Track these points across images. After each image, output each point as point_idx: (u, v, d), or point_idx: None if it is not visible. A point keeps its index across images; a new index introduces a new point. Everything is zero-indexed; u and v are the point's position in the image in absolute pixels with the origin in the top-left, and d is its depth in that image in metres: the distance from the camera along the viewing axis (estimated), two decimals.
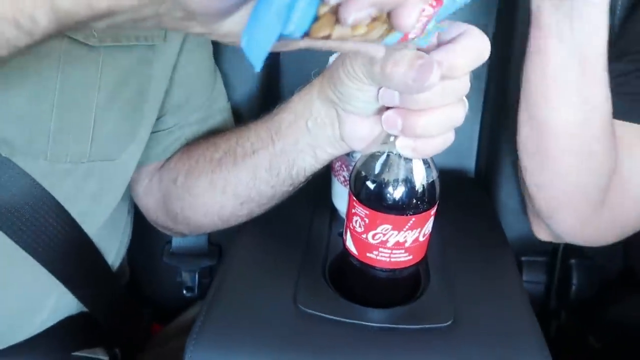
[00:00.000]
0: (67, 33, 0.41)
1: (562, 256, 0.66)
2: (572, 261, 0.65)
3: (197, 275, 0.68)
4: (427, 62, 0.31)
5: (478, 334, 0.41)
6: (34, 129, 0.42)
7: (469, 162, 0.70)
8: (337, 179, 0.53)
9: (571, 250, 0.65)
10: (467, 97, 0.36)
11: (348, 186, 0.51)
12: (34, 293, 0.48)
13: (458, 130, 0.37)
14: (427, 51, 0.33)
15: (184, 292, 0.69)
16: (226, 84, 0.60)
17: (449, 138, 0.36)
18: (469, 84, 0.35)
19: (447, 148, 0.37)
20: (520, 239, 0.62)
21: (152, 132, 0.53)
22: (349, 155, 0.49)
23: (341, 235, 0.52)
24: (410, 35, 0.30)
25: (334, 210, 0.55)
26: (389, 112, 0.36)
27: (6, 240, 0.44)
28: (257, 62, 0.24)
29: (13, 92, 0.41)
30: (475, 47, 0.33)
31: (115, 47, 0.44)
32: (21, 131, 0.42)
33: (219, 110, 0.58)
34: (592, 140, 0.46)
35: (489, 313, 0.43)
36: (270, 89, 0.66)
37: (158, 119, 0.53)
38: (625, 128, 0.49)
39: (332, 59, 0.48)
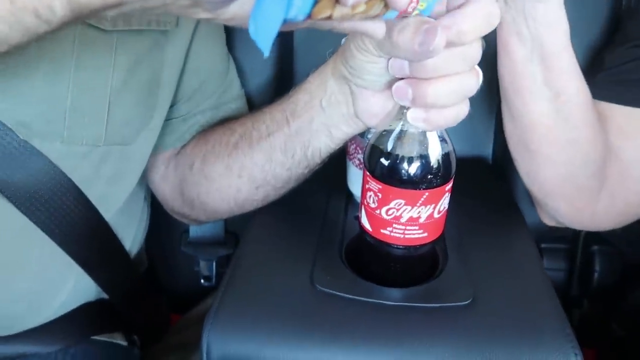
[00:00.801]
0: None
1: (583, 243, 0.65)
2: (594, 248, 0.64)
3: (214, 265, 0.68)
4: (431, 27, 0.31)
5: (497, 313, 0.40)
6: (50, 111, 0.43)
7: (486, 150, 0.69)
8: (352, 163, 0.52)
9: (593, 237, 0.64)
10: (483, 83, 0.36)
11: (362, 169, 0.52)
12: (52, 274, 0.49)
13: (474, 117, 0.37)
14: (436, 18, 0.33)
15: (202, 281, 0.69)
16: (240, 72, 0.61)
17: (462, 109, 0.36)
18: (480, 51, 0.35)
19: (464, 135, 0.37)
20: (540, 226, 0.60)
21: (167, 120, 0.53)
22: (363, 137, 0.49)
23: (357, 218, 0.52)
24: (408, 9, 0.30)
25: (349, 195, 0.55)
26: (399, 82, 0.36)
27: (24, 220, 0.45)
28: (265, 47, 0.26)
29: (29, 74, 0.42)
30: (483, 11, 0.33)
31: (127, 31, 0.45)
32: (38, 113, 0.43)
33: (233, 97, 0.58)
34: (571, 131, 0.46)
35: (508, 293, 0.42)
36: (283, 76, 0.66)
37: (172, 106, 0.53)
38: (635, 115, 0.48)
39: (344, 40, 0.48)
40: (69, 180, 0.46)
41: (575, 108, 0.45)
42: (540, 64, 0.43)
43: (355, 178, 0.53)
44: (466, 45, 0.33)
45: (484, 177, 0.64)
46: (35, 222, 0.45)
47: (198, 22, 0.52)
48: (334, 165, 0.49)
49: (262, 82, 0.64)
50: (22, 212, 0.44)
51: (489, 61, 0.43)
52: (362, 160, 0.51)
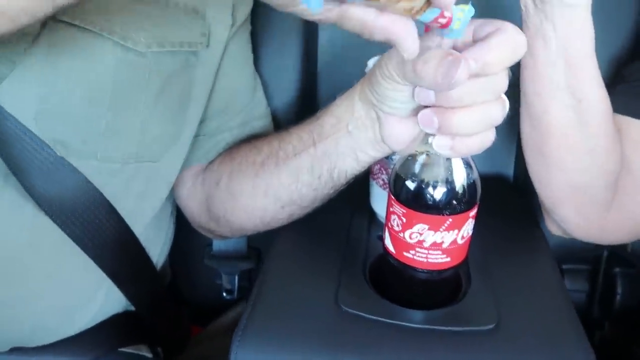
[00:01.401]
0: (116, 38, 0.43)
1: (605, 265, 0.65)
2: (616, 270, 0.63)
3: (236, 278, 0.69)
4: (454, 59, 0.32)
5: (521, 337, 0.41)
6: (88, 130, 0.44)
7: (507, 168, 0.69)
8: (376, 182, 0.53)
9: (615, 259, 0.64)
10: None
11: (387, 189, 0.52)
12: (84, 287, 0.51)
13: (495, 136, 0.37)
14: (462, 49, 0.34)
15: (223, 294, 0.70)
16: (265, 90, 0.62)
17: (487, 137, 0.37)
18: (506, 81, 0.35)
19: (485, 153, 0.37)
20: (562, 246, 0.60)
21: (195, 136, 0.55)
22: (388, 158, 0.50)
23: (380, 238, 0.52)
24: (440, 19, 0.31)
25: (372, 214, 0.55)
26: (425, 110, 0.37)
27: (59, 233, 0.46)
28: (316, 5, 0.27)
29: (69, 95, 0.43)
30: (509, 43, 0.34)
31: (160, 52, 0.46)
32: (76, 132, 0.44)
33: (260, 116, 0.59)
34: (589, 139, 0.46)
35: (532, 317, 0.42)
36: (307, 97, 0.67)
37: (200, 123, 0.55)
38: None
39: (370, 63, 0.49)
40: (102, 195, 0.47)
41: (595, 116, 0.45)
42: (564, 69, 0.43)
43: (379, 197, 0.54)
44: (492, 76, 0.34)
45: (506, 196, 0.64)
46: (70, 235, 0.46)
47: (228, 42, 0.53)
48: (358, 183, 0.50)
49: (287, 101, 0.65)
50: (58, 225, 0.46)
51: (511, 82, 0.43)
52: (385, 181, 0.52)
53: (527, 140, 0.50)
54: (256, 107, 0.59)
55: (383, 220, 0.54)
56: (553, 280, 0.47)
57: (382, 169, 0.52)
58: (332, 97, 0.47)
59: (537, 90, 0.45)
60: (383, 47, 0.49)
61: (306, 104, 0.65)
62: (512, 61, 0.34)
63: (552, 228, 0.55)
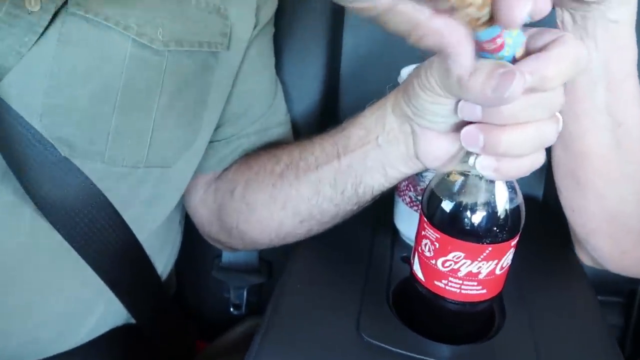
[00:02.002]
0: (131, 34, 0.40)
1: None
2: None
3: (245, 293, 0.66)
4: (508, 70, 0.28)
5: None
6: (95, 130, 0.41)
7: (537, 190, 0.65)
8: (402, 200, 0.49)
9: None
10: None
11: (414, 208, 0.49)
12: (83, 298, 0.47)
13: None
14: (515, 62, 0.30)
15: (231, 309, 0.67)
16: (285, 97, 0.59)
17: (537, 159, 0.33)
18: (563, 98, 0.31)
19: None
20: (595, 277, 0.56)
21: (210, 142, 0.51)
22: (418, 174, 0.46)
23: (404, 259, 0.49)
24: (497, 40, 0.28)
25: (395, 233, 0.52)
26: (470, 127, 0.33)
27: (58, 239, 0.43)
28: None
29: (77, 92, 0.40)
30: (570, 55, 0.30)
31: (178, 51, 0.43)
32: (82, 132, 0.41)
33: (279, 123, 0.56)
34: (627, 164, 0.42)
35: (574, 357, 0.38)
36: (329, 106, 0.64)
37: (216, 128, 0.52)
38: None
39: (404, 72, 0.46)
40: (107, 200, 0.44)
41: (635, 141, 0.42)
42: (604, 89, 0.40)
43: (404, 215, 0.50)
44: (548, 91, 0.30)
45: (536, 220, 0.59)
46: (70, 242, 0.43)
47: (250, 44, 0.50)
48: (381, 199, 0.46)
49: (307, 108, 0.62)
50: (57, 230, 0.43)
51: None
52: (412, 198, 0.49)
53: (559, 164, 0.46)
54: (275, 114, 0.55)
55: (407, 240, 0.51)
56: (594, 315, 0.43)
57: (409, 185, 0.48)
58: (354, 106, 0.44)
59: (574, 112, 0.41)
60: (411, 56, 0.46)
61: (328, 112, 0.62)
62: (571, 76, 0.30)
63: (584, 258, 0.52)
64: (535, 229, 0.55)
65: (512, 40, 0.29)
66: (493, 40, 0.28)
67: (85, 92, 0.40)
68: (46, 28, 0.39)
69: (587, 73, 0.39)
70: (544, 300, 0.44)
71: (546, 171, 0.64)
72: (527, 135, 0.31)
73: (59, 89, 0.40)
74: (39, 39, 0.39)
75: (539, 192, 0.65)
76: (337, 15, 0.59)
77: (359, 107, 0.43)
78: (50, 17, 0.39)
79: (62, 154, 0.41)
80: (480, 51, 0.29)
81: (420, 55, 0.33)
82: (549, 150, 0.62)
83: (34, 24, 0.39)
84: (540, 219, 0.60)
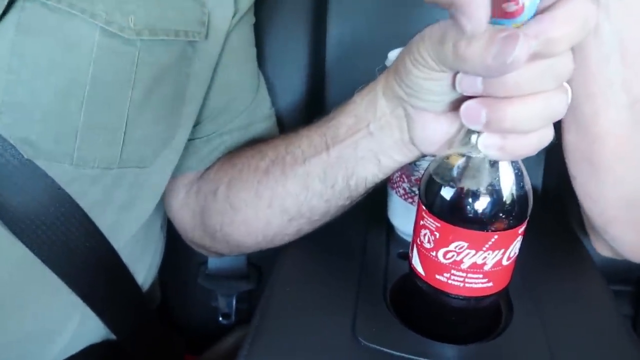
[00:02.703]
0: (99, 22, 0.37)
1: None
2: None
3: (234, 300, 0.62)
4: (510, 34, 0.26)
5: None
6: (60, 128, 0.38)
7: (536, 179, 0.62)
8: (396, 192, 0.46)
9: None
10: None
11: (409, 200, 0.46)
12: (53, 315, 0.43)
13: None
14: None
15: (220, 318, 0.63)
16: (268, 90, 0.56)
17: (546, 135, 0.30)
18: (572, 65, 0.29)
19: None
20: (602, 265, 0.54)
21: (189, 140, 0.48)
22: (411, 164, 0.43)
23: (401, 256, 0.46)
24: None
25: (390, 228, 0.49)
26: (470, 101, 0.30)
27: (23, 251, 0.39)
28: None
29: (39, 87, 0.37)
30: (578, 14, 0.27)
31: (152, 41, 0.40)
32: (46, 131, 0.38)
33: (263, 117, 0.53)
34: None
35: (592, 354, 0.35)
36: (315, 97, 0.61)
37: (195, 125, 0.48)
38: None
39: (392, 55, 0.43)
40: (77, 206, 0.40)
41: None
42: (619, 64, 0.37)
43: (398, 209, 0.47)
44: (556, 57, 0.28)
45: (538, 210, 0.57)
46: (36, 253, 0.40)
47: (229, 34, 0.47)
48: (372, 192, 0.44)
49: (292, 100, 0.59)
50: (21, 240, 0.39)
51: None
52: (407, 190, 0.46)
53: (572, 151, 0.43)
54: (259, 108, 0.52)
55: (403, 235, 0.48)
56: (608, 306, 0.40)
57: (403, 176, 0.45)
58: (341, 96, 0.41)
59: (587, 91, 0.39)
60: (398, 44, 0.43)
61: (314, 104, 0.59)
62: (580, 37, 0.27)
63: (601, 249, 0.49)
64: (536, 219, 0.53)
65: (530, 3, 0.26)
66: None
67: (48, 87, 0.37)
68: (1, 16, 0.35)
69: (600, 47, 0.36)
70: (553, 292, 0.41)
71: (544, 162, 0.62)
72: (535, 108, 0.28)
73: (19, 84, 0.36)
74: None
75: (537, 180, 0.62)
76: (321, 4, 0.57)
77: (346, 97, 0.41)
78: (6, 3, 0.35)
79: (25, 156, 0.38)
80: (494, 17, 0.26)
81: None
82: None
83: None
84: (541, 208, 0.58)
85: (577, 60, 0.38)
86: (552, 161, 0.59)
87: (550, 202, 0.58)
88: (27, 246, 0.39)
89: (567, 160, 0.44)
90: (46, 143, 0.38)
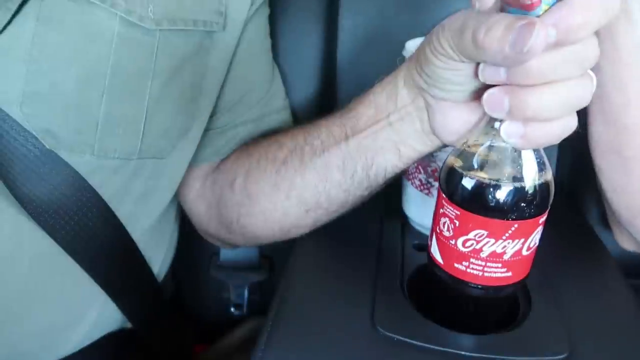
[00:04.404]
0: (119, 11, 0.37)
1: None
2: None
3: (246, 291, 0.62)
4: (527, 23, 0.26)
5: None
6: (82, 119, 0.38)
7: None
8: (411, 183, 0.46)
9: None
10: None
11: (425, 192, 0.46)
12: (74, 304, 0.44)
13: None
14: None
15: (232, 309, 0.63)
16: (282, 81, 0.56)
17: (569, 123, 0.30)
18: (596, 51, 0.28)
19: None
20: (618, 259, 0.54)
21: (205, 131, 0.48)
22: (428, 155, 0.43)
23: (417, 247, 0.46)
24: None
25: (405, 220, 0.49)
26: (493, 89, 0.30)
27: (47, 241, 0.40)
28: None
29: (60, 77, 0.37)
30: None
31: (171, 31, 0.40)
32: (67, 121, 0.38)
33: (277, 109, 0.53)
34: None
35: (611, 345, 0.35)
36: (327, 90, 0.61)
37: (211, 116, 0.48)
38: None
39: (410, 45, 0.43)
40: (98, 196, 0.41)
41: None
42: None
43: (414, 200, 0.47)
44: (579, 44, 0.28)
45: (552, 203, 0.57)
46: (59, 242, 0.40)
47: (246, 25, 0.47)
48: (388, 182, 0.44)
49: (305, 92, 0.59)
50: (44, 229, 0.39)
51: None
52: (423, 181, 0.46)
53: (599, 142, 0.43)
54: (274, 99, 0.52)
55: (418, 227, 0.48)
56: (626, 297, 0.40)
57: (419, 167, 0.45)
58: (353, 89, 0.41)
59: (618, 81, 0.38)
60: (409, 38, 0.43)
61: (326, 96, 0.59)
62: (602, 23, 0.27)
63: (626, 243, 0.48)
64: (551, 212, 0.53)
65: None
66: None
67: (69, 77, 0.37)
68: (21, 5, 0.35)
69: (632, 35, 0.36)
70: (571, 285, 0.41)
71: (557, 154, 0.61)
72: (558, 96, 0.28)
73: (40, 74, 0.36)
74: (13, 17, 0.35)
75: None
76: None
77: (358, 89, 0.41)
78: None
79: (47, 147, 0.38)
80: (515, 7, 0.26)
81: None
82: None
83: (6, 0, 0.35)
84: (554, 202, 0.58)
85: (609, 49, 0.38)
86: (566, 154, 0.59)
87: (564, 196, 0.58)
88: (50, 236, 0.39)
89: (592, 152, 0.44)
90: (67, 133, 0.38)
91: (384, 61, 0.41)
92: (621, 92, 0.38)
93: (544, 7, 0.26)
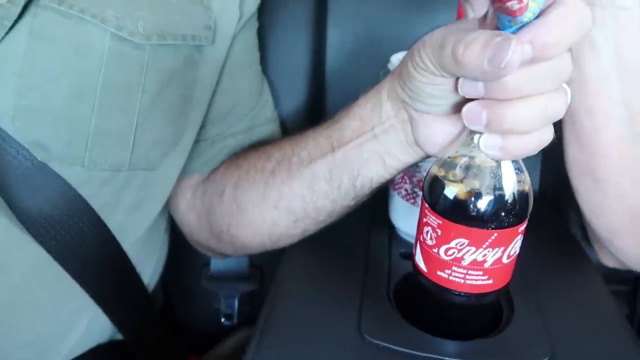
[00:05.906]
0: (110, 27, 0.38)
1: None
2: None
3: (236, 302, 0.63)
4: (503, 39, 0.27)
5: None
6: (72, 132, 0.39)
7: (531, 181, 0.63)
8: (397, 193, 0.47)
9: None
10: None
11: (411, 201, 0.47)
12: (64, 314, 0.44)
13: None
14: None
15: (222, 320, 0.64)
16: (271, 93, 0.57)
17: (545, 135, 0.31)
18: (570, 67, 0.30)
19: None
20: (599, 265, 0.55)
21: (195, 142, 0.49)
22: (413, 165, 0.44)
23: (404, 255, 0.46)
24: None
25: (392, 229, 0.50)
26: (472, 104, 0.31)
27: (38, 250, 0.40)
28: None
29: (51, 91, 0.38)
30: (572, 17, 0.28)
31: (161, 45, 0.41)
32: (58, 134, 0.39)
33: (266, 120, 0.54)
34: None
35: (592, 349, 0.36)
36: (316, 101, 0.62)
37: (201, 128, 0.49)
38: None
39: (394, 59, 0.44)
40: (88, 206, 0.41)
41: None
42: (617, 80, 0.38)
43: (400, 210, 0.48)
44: (554, 60, 0.29)
45: (535, 211, 0.58)
46: (49, 251, 0.40)
47: (234, 38, 0.48)
48: (375, 193, 0.45)
49: (294, 103, 0.60)
50: (36, 240, 0.40)
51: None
52: (409, 191, 0.47)
53: (574, 165, 0.44)
54: (263, 110, 0.53)
55: (405, 236, 0.49)
56: (606, 303, 0.41)
57: (405, 177, 0.46)
58: (341, 101, 0.42)
59: (586, 107, 0.39)
60: (396, 50, 0.44)
61: (315, 107, 0.60)
62: (575, 40, 0.28)
63: (606, 260, 0.49)
64: (534, 220, 0.54)
65: (537, 5, 0.27)
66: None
67: (60, 91, 0.38)
68: (16, 21, 0.36)
69: (598, 64, 0.37)
70: (553, 291, 0.42)
71: (541, 164, 0.63)
72: (534, 109, 0.29)
73: (31, 87, 0.37)
74: (7, 33, 0.36)
75: (534, 182, 0.63)
76: (322, 9, 0.58)
77: (346, 101, 0.42)
78: (20, 9, 0.36)
79: (38, 159, 0.39)
80: (499, 12, 0.27)
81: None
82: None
83: (2, 17, 0.36)
84: (538, 210, 0.59)
85: (576, 76, 0.39)
86: (549, 164, 0.61)
87: (547, 204, 0.60)
88: (42, 246, 0.40)
89: (569, 174, 0.45)
90: (58, 146, 0.39)
91: (372, 71, 0.42)
92: (590, 117, 0.39)
93: (528, 14, 0.27)
